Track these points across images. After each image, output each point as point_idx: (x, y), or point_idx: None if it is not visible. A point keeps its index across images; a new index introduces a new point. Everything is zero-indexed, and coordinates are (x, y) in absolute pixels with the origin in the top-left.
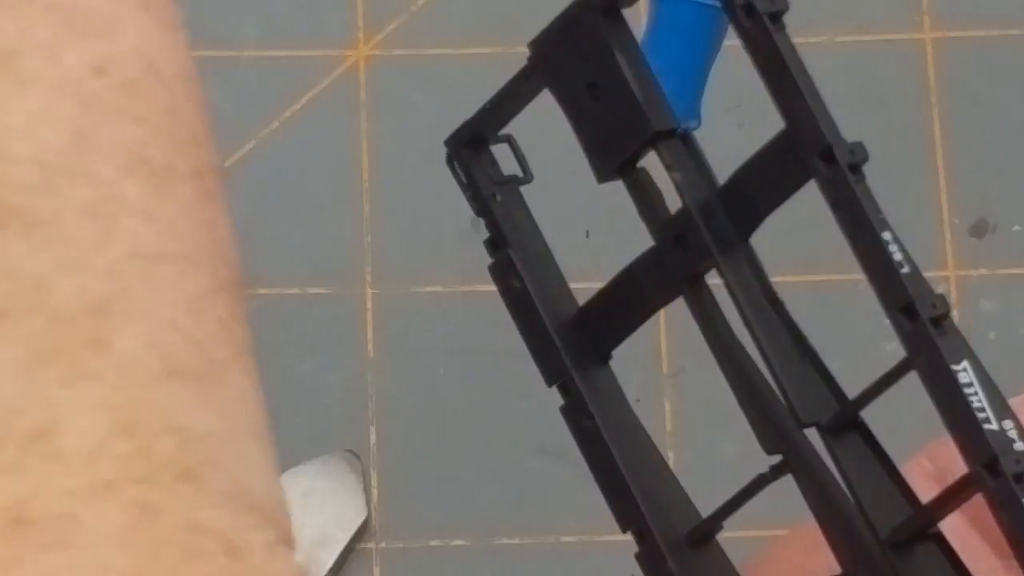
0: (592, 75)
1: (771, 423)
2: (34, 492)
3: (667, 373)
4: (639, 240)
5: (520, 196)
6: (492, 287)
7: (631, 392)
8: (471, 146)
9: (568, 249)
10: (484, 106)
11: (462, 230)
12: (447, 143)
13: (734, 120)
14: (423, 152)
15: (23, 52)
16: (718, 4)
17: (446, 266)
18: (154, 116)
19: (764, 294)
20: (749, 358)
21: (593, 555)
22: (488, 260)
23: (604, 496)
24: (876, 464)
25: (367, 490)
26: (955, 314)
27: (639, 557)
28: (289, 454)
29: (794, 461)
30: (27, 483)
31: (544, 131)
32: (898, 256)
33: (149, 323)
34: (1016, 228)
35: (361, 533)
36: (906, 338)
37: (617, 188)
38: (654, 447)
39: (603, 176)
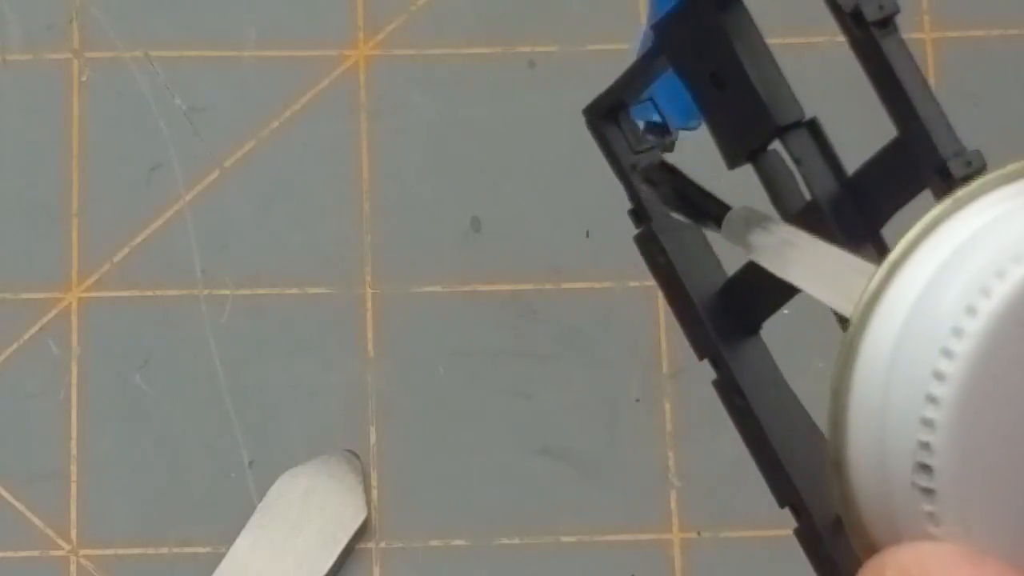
0: (713, 65)
1: None
2: None
3: (667, 373)
4: None
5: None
6: (492, 287)
7: (631, 392)
8: (609, 115)
9: (568, 249)
10: (616, 81)
11: (462, 230)
12: (585, 112)
13: None
14: (423, 152)
15: None
16: None
17: (446, 266)
18: None
19: None
20: None
21: (593, 555)
22: (487, 259)
23: (760, 471)
24: None
25: (367, 490)
26: None
27: (797, 533)
28: (289, 454)
29: None
30: None
31: (544, 130)
32: None
33: None
34: None
35: (361, 533)
36: None
37: (617, 187)
38: (809, 419)
39: (732, 164)
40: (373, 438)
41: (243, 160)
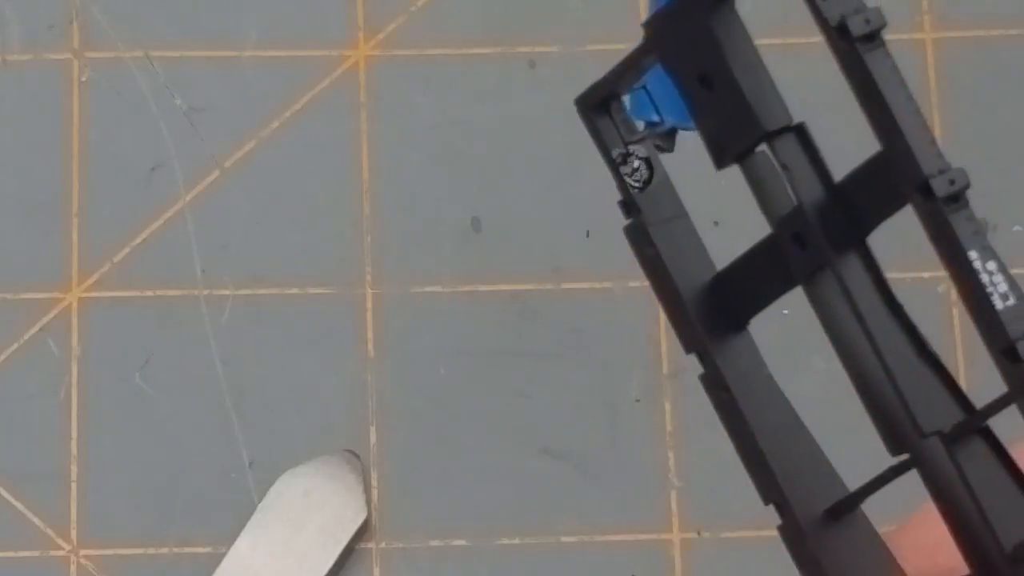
0: (702, 66)
1: (894, 423)
2: None
3: (667, 373)
4: None
5: (655, 154)
6: (492, 287)
7: (631, 392)
8: (601, 106)
9: (568, 249)
10: (608, 74)
11: (462, 230)
12: (577, 103)
13: None
14: (423, 152)
15: None
16: None
17: (446, 266)
18: None
19: (881, 297)
20: (872, 357)
21: (593, 555)
22: (487, 259)
23: (745, 467)
24: (1004, 474)
25: (367, 490)
26: (955, 313)
27: (781, 530)
28: (289, 454)
29: (918, 464)
30: None
31: (544, 130)
32: (1003, 287)
33: None
34: (1016, 228)
35: (361, 533)
36: (1009, 379)
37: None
38: (795, 416)
39: (720, 165)
40: (373, 438)
41: (243, 160)
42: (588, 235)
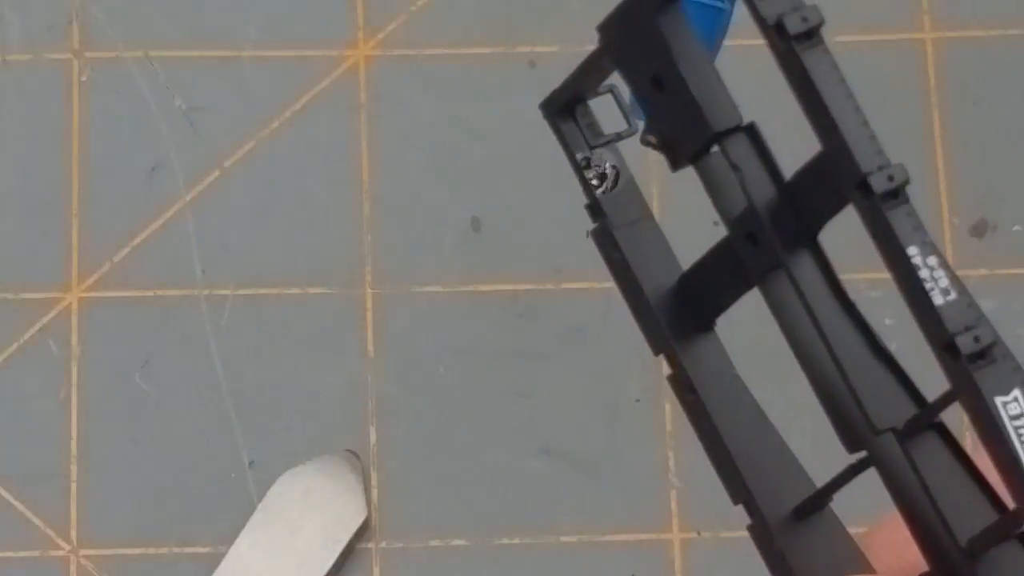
0: (653, 68)
1: (848, 421)
2: None
3: (667, 373)
4: None
5: (621, 158)
6: (492, 287)
7: (631, 392)
8: (565, 110)
9: (568, 249)
10: (566, 80)
11: (462, 230)
12: (542, 107)
13: None
14: (423, 152)
15: None
16: (718, 4)
17: (446, 266)
18: None
19: (833, 294)
20: (827, 355)
21: (593, 555)
22: (487, 259)
23: (713, 468)
24: (958, 467)
25: (367, 490)
26: None
27: (749, 529)
28: (289, 454)
29: (875, 460)
30: None
31: (544, 130)
32: (944, 283)
33: None
34: (1016, 228)
35: (361, 533)
36: (950, 374)
37: None
38: (762, 416)
39: (675, 166)
40: (373, 438)
41: (243, 160)
42: (588, 235)
